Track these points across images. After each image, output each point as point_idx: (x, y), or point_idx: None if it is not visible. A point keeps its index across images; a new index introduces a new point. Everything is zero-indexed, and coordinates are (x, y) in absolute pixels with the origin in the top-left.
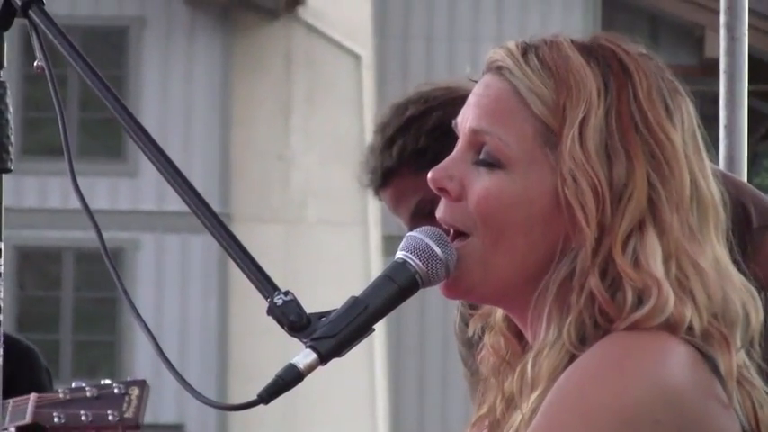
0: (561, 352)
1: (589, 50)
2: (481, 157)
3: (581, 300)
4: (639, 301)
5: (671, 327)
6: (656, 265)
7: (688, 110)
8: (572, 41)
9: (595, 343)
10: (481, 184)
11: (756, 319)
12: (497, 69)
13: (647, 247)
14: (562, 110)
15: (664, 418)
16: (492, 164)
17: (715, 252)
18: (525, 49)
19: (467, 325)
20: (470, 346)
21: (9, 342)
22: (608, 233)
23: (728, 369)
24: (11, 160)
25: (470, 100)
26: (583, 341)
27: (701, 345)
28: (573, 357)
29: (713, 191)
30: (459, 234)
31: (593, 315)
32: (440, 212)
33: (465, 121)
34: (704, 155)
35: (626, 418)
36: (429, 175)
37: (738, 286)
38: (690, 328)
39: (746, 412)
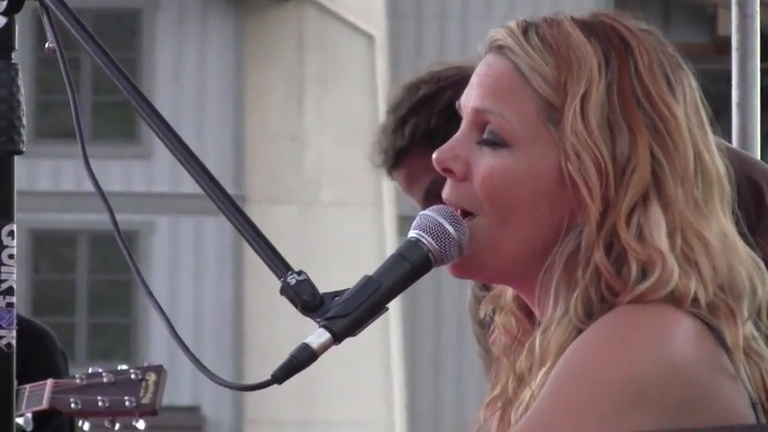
0: (569, 327)
1: (590, 27)
2: (485, 136)
3: (587, 275)
4: (644, 274)
5: (676, 299)
6: (661, 238)
7: (690, 84)
8: (573, 19)
9: (601, 317)
10: (486, 162)
11: (763, 290)
12: (498, 48)
13: (651, 221)
14: (563, 86)
15: (670, 391)
16: (496, 143)
17: (721, 224)
18: (526, 28)
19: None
20: (484, 325)
21: (24, 325)
22: (612, 207)
23: (735, 341)
24: (23, 142)
25: (473, 80)
26: (589, 316)
27: (706, 317)
28: (580, 332)
29: (717, 164)
30: (466, 214)
31: (599, 290)
32: (446, 193)
33: (468, 101)
34: (708, 128)
35: (632, 390)
36: (434, 155)
37: (744, 258)
38: (695, 300)
39: (756, 384)
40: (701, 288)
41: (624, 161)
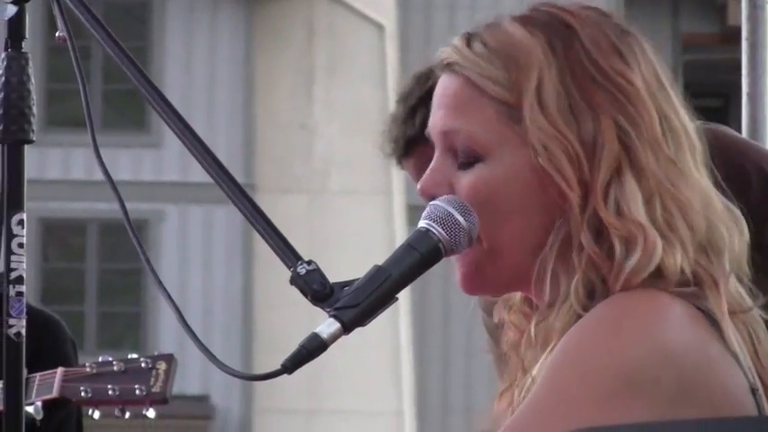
0: (569, 313)
1: (529, 20)
2: (460, 159)
3: (582, 261)
4: (627, 250)
5: (664, 278)
6: (638, 210)
7: (642, 48)
8: (512, 17)
9: (597, 305)
10: (466, 180)
11: (740, 240)
12: (448, 66)
13: (627, 193)
14: (516, 84)
15: (663, 376)
16: (471, 162)
17: (695, 180)
18: (468, 39)
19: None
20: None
21: (33, 314)
22: (591, 189)
23: (722, 313)
24: (33, 131)
25: (434, 103)
26: (591, 299)
27: (696, 301)
28: (580, 318)
29: (684, 121)
30: None
31: (599, 273)
32: None
33: (434, 126)
34: (669, 88)
35: (625, 377)
36: (418, 187)
37: (721, 211)
38: (681, 272)
39: (747, 349)
40: (684, 258)
41: (591, 141)
